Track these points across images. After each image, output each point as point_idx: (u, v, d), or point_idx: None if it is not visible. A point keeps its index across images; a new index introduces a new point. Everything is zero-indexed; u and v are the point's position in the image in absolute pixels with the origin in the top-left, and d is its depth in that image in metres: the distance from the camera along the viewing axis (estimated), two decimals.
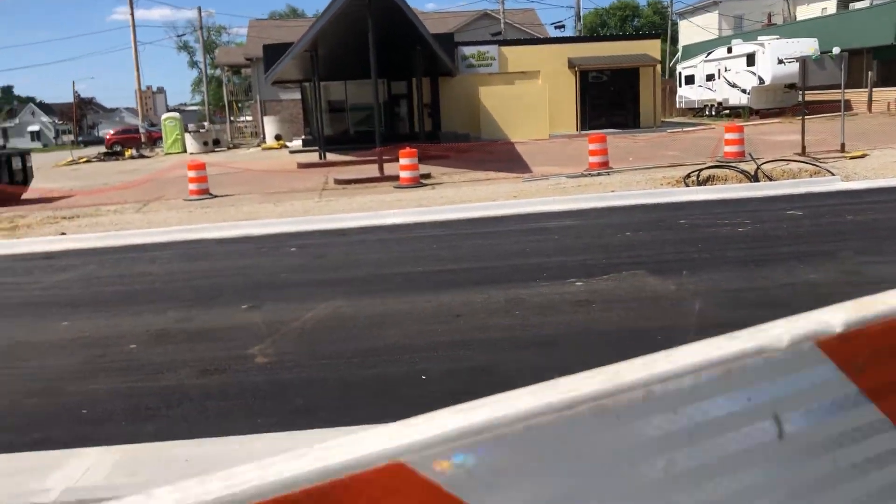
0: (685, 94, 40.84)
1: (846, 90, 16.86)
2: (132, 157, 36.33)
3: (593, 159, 16.21)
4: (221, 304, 6.98)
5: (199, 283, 8.00)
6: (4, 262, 10.33)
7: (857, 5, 39.17)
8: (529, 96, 29.78)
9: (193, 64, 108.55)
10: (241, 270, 8.55)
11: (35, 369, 5.43)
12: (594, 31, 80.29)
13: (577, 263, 7.54)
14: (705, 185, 12.89)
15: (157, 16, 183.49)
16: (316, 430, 4.00)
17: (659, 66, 31.80)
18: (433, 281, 7.29)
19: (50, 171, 31.01)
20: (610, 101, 31.53)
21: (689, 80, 40.16)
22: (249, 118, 67.26)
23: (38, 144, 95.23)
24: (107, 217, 14.37)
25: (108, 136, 45.99)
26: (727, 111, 34.67)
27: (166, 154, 37.56)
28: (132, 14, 38.83)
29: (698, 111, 39.23)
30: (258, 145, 38.06)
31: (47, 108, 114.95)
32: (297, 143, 34.43)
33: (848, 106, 22.94)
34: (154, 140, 43.22)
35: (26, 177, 19.05)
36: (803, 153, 15.69)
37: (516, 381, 4.29)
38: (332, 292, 7.06)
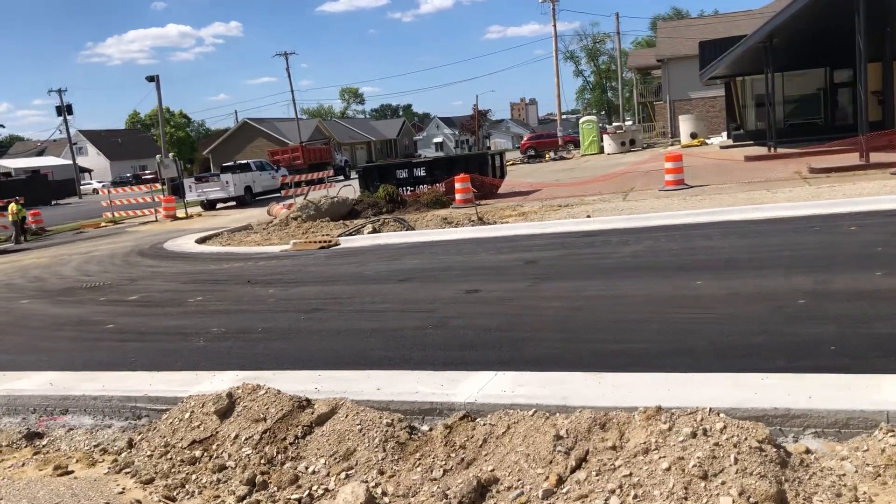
0: None
1: None
2: (552, 160, 38.90)
3: None
4: (843, 271, 7.08)
5: (781, 255, 8.24)
6: (562, 237, 11.70)
7: None
8: None
9: (579, 73, 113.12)
10: (815, 246, 8.63)
11: (726, 316, 6.03)
12: None
13: None
14: None
15: (526, 31, 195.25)
16: None
17: None
18: None
19: None
20: None
21: None
22: (628, 122, 67.83)
23: (441, 154, 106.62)
24: (599, 205, 15.52)
25: (522, 142, 50.01)
26: None
27: (583, 155, 39.56)
28: (554, 32, 41.75)
29: None
30: (672, 144, 38.19)
31: (448, 121, 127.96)
32: (718, 140, 33.91)
33: None
34: (564, 143, 45.75)
35: (503, 172, 21.46)
36: None
37: None
38: None
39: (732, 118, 32.41)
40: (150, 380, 5.89)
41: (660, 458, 3.30)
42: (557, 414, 3.90)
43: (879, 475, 3.19)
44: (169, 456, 4.46)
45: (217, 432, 4.50)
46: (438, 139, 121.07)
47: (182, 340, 7.35)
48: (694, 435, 3.35)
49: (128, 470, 4.47)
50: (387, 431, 4.10)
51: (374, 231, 15.45)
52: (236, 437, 4.39)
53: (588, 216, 13.44)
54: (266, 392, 4.62)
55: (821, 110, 29.19)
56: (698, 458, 3.23)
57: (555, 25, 42.99)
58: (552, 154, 41.15)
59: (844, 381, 4.32)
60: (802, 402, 4.03)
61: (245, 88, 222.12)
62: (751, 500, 3.02)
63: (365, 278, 9.94)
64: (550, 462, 3.50)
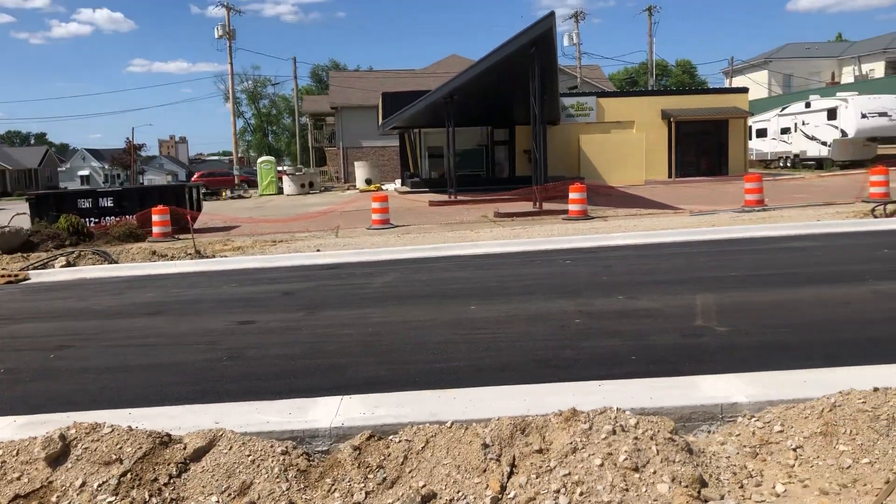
0: (756, 146, 42.07)
1: None
2: (230, 198, 37.86)
3: (750, 197, 17.38)
4: (591, 296, 8.05)
5: (527, 284, 9.13)
6: (302, 270, 11.50)
7: None
8: (627, 144, 31.19)
9: (240, 114, 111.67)
10: (550, 276, 9.70)
11: (522, 334, 6.52)
12: (622, 87, 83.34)
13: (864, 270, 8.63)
14: (893, 217, 13.96)
15: (173, 68, 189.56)
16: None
17: (749, 119, 33.13)
18: (761, 281, 8.38)
19: None
20: (701, 150, 32.81)
21: (761, 133, 41.58)
22: (287, 165, 69.09)
23: (88, 187, 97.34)
24: (316, 241, 15.58)
25: (193, 178, 47.73)
26: (811, 162, 35.84)
27: (262, 195, 39.11)
28: (231, 70, 40.89)
29: (770, 163, 40.44)
30: (348, 188, 39.55)
31: (97, 154, 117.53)
32: (393, 186, 35.93)
33: None
34: (240, 182, 44.77)
35: (200, 206, 20.46)
36: None
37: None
38: (681, 287, 8.17)
39: (406, 166, 34.69)
40: None
41: (590, 455, 3.52)
42: (475, 423, 3.93)
43: (758, 453, 3.77)
44: None
45: (51, 482, 3.72)
46: (85, 172, 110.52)
47: None
48: (614, 432, 3.63)
49: None
50: (283, 459, 3.76)
51: (69, 265, 13.71)
52: (83, 484, 3.67)
53: (318, 250, 13.44)
54: (112, 430, 3.93)
55: (483, 164, 32.60)
56: (626, 451, 3.52)
57: (231, 63, 42.27)
58: (229, 192, 40.09)
59: (668, 383, 4.97)
60: (649, 402, 4.56)
61: None
62: (682, 484, 3.38)
63: (100, 313, 8.80)
64: (484, 470, 3.53)
